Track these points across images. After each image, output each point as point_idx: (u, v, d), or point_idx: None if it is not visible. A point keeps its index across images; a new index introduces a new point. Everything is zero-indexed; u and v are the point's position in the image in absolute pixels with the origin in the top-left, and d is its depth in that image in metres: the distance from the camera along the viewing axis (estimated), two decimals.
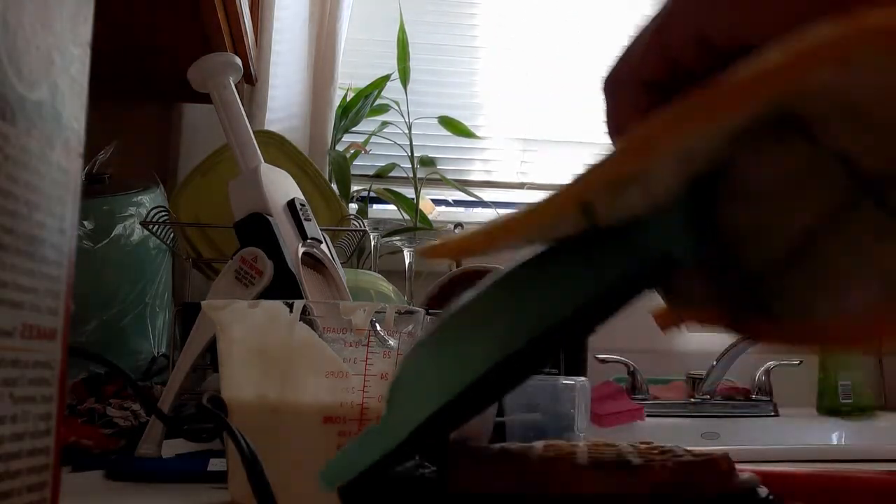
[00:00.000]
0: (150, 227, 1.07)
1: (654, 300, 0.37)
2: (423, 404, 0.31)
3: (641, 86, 0.34)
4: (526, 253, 0.33)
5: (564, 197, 0.29)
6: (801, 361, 1.52)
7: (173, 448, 0.74)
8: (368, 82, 1.69)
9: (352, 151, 1.67)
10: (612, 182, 0.28)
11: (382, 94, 1.70)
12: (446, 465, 0.37)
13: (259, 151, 0.79)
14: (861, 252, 0.30)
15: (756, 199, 0.31)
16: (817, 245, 0.31)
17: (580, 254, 0.32)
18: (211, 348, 0.71)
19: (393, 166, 1.77)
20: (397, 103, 1.71)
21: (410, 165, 1.70)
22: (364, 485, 0.33)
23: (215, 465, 0.65)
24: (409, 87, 1.70)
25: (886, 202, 0.28)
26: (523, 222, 0.30)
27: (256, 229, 0.72)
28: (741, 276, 0.33)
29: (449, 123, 1.75)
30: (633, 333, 1.72)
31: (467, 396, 0.31)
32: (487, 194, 1.79)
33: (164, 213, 1.10)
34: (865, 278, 0.30)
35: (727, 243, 0.33)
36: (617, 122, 0.36)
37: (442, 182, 1.75)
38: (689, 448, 0.39)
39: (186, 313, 0.95)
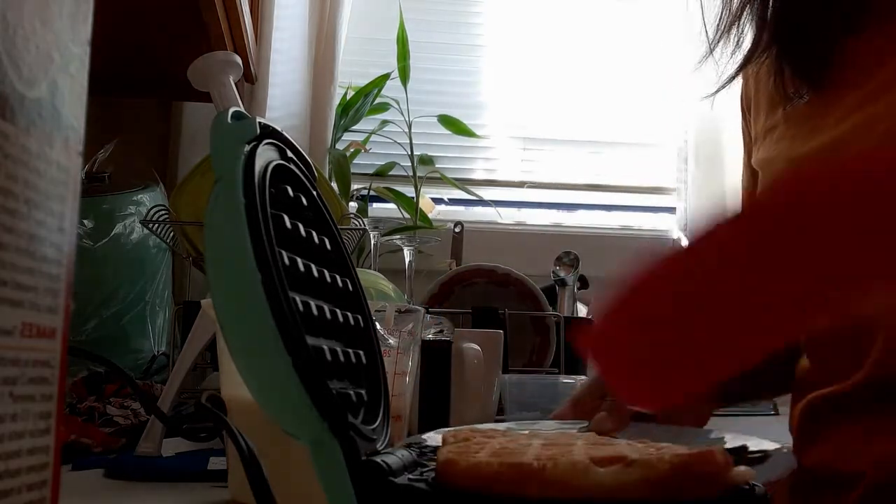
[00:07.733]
0: (150, 225, 1.07)
1: None
2: None
3: None
4: None
5: None
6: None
7: (173, 447, 0.74)
8: (368, 81, 1.69)
9: (352, 150, 1.67)
10: None
11: (382, 92, 1.70)
12: (445, 465, 0.36)
13: None
14: None
15: None
16: None
17: None
18: (211, 347, 0.71)
19: (393, 165, 1.76)
20: (397, 102, 1.70)
21: (410, 164, 1.70)
22: (368, 488, 0.33)
23: (215, 463, 0.65)
24: (409, 85, 1.70)
25: None
26: None
27: None
28: None
29: (449, 122, 1.75)
30: None
31: None
32: (488, 193, 1.79)
33: (163, 212, 1.10)
34: None
35: None
36: None
37: (442, 180, 1.75)
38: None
39: (186, 312, 0.95)
